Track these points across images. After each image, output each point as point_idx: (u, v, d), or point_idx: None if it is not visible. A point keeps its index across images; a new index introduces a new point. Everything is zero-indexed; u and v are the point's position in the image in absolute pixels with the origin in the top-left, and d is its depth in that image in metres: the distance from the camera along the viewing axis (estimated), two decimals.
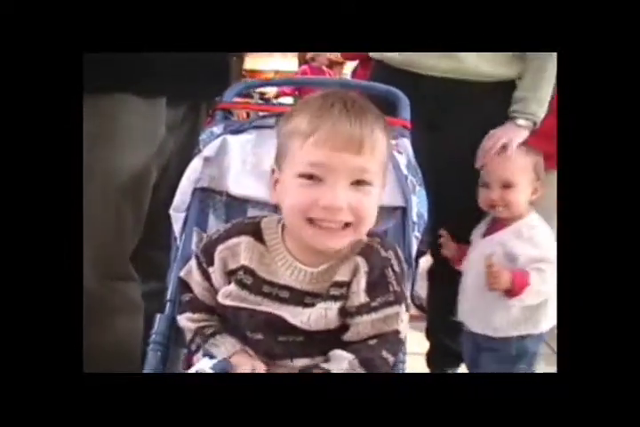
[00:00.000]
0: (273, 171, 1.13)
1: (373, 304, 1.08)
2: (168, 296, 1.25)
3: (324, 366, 1.07)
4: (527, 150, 1.76)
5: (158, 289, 1.32)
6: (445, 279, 1.94)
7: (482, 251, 1.74)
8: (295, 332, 1.09)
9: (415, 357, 1.92)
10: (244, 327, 1.13)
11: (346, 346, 1.09)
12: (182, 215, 1.31)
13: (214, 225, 1.34)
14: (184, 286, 1.21)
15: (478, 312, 1.77)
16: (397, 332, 1.09)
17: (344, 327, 1.10)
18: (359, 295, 1.08)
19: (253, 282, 1.13)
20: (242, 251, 1.13)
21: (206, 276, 1.17)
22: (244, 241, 1.14)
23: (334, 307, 1.08)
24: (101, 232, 1.38)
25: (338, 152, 1.02)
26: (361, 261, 1.10)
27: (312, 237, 1.06)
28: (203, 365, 1.08)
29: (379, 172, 1.07)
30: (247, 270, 1.13)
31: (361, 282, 1.08)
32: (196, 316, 1.18)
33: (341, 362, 1.07)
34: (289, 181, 1.07)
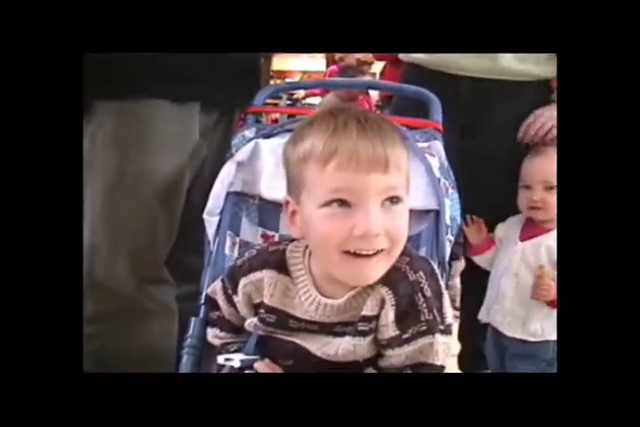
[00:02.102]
0: (287, 202, 1.06)
1: (405, 336, 1.00)
2: (202, 300, 1.25)
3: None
4: None
5: (193, 292, 1.33)
6: (478, 281, 1.93)
7: (524, 255, 1.73)
8: (327, 362, 1.05)
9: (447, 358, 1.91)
10: (273, 354, 1.09)
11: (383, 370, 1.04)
12: (216, 219, 1.32)
13: (247, 229, 1.35)
14: (212, 303, 1.20)
15: (517, 318, 1.75)
16: (437, 366, 1.01)
17: (378, 355, 1.05)
18: (389, 328, 1.01)
19: (277, 319, 1.09)
20: (265, 286, 1.09)
21: (232, 303, 1.15)
22: (266, 276, 1.09)
23: (363, 343, 1.02)
24: (136, 237, 1.40)
25: (364, 173, 0.96)
26: (386, 292, 1.02)
27: (347, 275, 1.01)
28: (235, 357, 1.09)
29: (406, 186, 1.02)
30: (268, 309, 1.09)
31: (389, 315, 1.01)
32: (222, 334, 1.20)
33: None
34: (313, 213, 0.99)
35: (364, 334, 1.03)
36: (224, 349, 1.17)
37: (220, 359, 1.10)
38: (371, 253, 0.98)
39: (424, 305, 1.00)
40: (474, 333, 2.06)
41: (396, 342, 1.01)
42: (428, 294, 1.01)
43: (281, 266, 1.09)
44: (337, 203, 0.97)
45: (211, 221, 1.32)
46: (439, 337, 1.01)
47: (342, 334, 1.04)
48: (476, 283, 1.97)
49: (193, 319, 1.23)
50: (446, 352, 1.03)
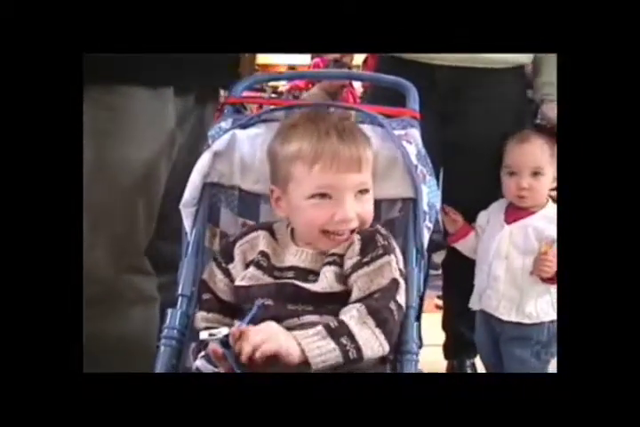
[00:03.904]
0: (272, 190, 1.26)
1: (365, 259, 1.17)
2: (180, 291, 1.26)
3: (340, 318, 1.11)
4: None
5: (170, 282, 1.33)
6: (461, 269, 1.94)
7: (512, 238, 1.75)
8: (304, 301, 1.17)
9: (432, 348, 1.92)
10: (254, 298, 1.18)
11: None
12: (192, 210, 1.32)
13: (227, 219, 1.36)
14: (204, 286, 1.26)
15: (511, 300, 1.76)
16: (396, 280, 1.16)
17: (348, 294, 1.16)
18: (353, 258, 1.18)
19: (268, 265, 1.23)
20: (260, 240, 1.26)
21: (227, 273, 1.26)
22: (261, 234, 1.27)
23: (331, 269, 1.18)
24: (114, 225, 1.40)
25: (343, 173, 1.18)
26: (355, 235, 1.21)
27: (325, 245, 1.21)
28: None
29: (371, 178, 1.24)
30: (264, 254, 1.24)
31: (355, 248, 1.19)
32: (210, 316, 1.23)
33: (351, 310, 1.11)
34: (300, 202, 1.21)
35: (330, 263, 1.19)
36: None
37: (204, 335, 1.10)
38: (345, 234, 1.20)
39: (381, 238, 1.20)
40: (458, 322, 2.08)
41: (358, 266, 1.17)
42: (384, 233, 1.22)
43: (271, 231, 1.28)
44: (320, 196, 1.19)
45: (187, 212, 1.32)
46: (394, 258, 1.18)
47: (314, 282, 1.19)
48: (458, 272, 1.99)
49: (170, 311, 1.23)
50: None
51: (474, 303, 1.85)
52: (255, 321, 1.11)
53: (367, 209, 1.22)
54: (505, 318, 1.77)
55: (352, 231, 1.20)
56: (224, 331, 1.09)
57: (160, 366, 1.17)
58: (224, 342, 1.07)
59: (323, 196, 1.19)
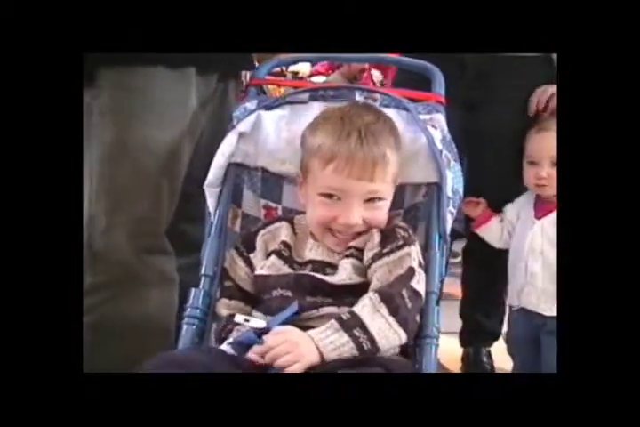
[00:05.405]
0: (298, 175, 1.28)
1: (385, 250, 1.19)
2: (203, 271, 1.26)
3: (352, 309, 1.11)
4: None
5: (193, 263, 1.33)
6: (481, 258, 1.93)
7: (545, 232, 1.73)
8: (323, 293, 1.18)
9: (448, 336, 1.92)
10: (274, 287, 1.21)
11: None
12: (216, 191, 1.32)
13: (249, 200, 1.36)
14: (225, 274, 1.27)
15: (552, 296, 1.71)
16: (412, 269, 1.17)
17: (367, 286, 1.17)
18: (373, 250, 1.20)
19: (289, 256, 1.25)
20: (282, 231, 1.27)
21: (248, 262, 1.27)
22: (284, 225, 1.29)
23: (349, 261, 1.20)
24: (136, 206, 1.39)
25: (354, 179, 1.18)
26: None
27: (330, 243, 1.24)
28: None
29: (390, 184, 1.23)
30: (286, 245, 1.26)
31: (375, 239, 1.20)
32: (232, 302, 1.24)
33: (363, 300, 1.12)
34: (312, 196, 1.23)
35: (348, 256, 1.21)
36: (230, 321, 1.18)
37: (239, 318, 1.13)
38: (348, 235, 1.22)
39: (400, 231, 1.22)
40: (476, 309, 2.08)
41: (378, 256, 1.19)
42: (404, 226, 1.24)
43: (292, 224, 1.30)
44: (329, 196, 1.20)
45: (211, 192, 1.32)
46: (414, 249, 1.20)
47: (332, 274, 1.20)
48: (478, 260, 1.99)
49: (193, 290, 1.23)
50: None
51: (512, 300, 1.83)
52: (286, 322, 1.12)
53: (377, 215, 1.22)
54: (548, 313, 1.74)
55: (359, 234, 1.21)
56: (261, 323, 1.12)
57: (182, 345, 1.18)
58: (258, 334, 1.09)
59: (331, 196, 1.20)
